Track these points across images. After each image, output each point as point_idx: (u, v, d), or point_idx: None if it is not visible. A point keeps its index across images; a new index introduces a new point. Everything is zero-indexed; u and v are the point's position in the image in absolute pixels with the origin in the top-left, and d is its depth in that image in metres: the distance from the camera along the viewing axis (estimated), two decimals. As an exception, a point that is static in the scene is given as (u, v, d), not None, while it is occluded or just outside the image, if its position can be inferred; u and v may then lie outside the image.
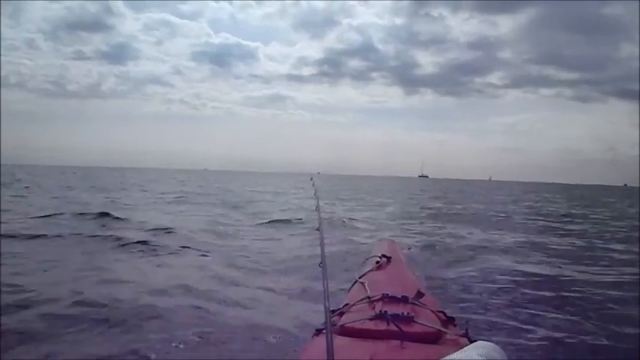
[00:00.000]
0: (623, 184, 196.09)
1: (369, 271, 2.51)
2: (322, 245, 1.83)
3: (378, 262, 2.63)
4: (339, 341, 1.54)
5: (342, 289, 2.79)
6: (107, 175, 46.15)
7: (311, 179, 3.15)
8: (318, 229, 2.02)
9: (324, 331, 1.21)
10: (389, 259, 2.67)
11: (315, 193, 2.84)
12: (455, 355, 1.09)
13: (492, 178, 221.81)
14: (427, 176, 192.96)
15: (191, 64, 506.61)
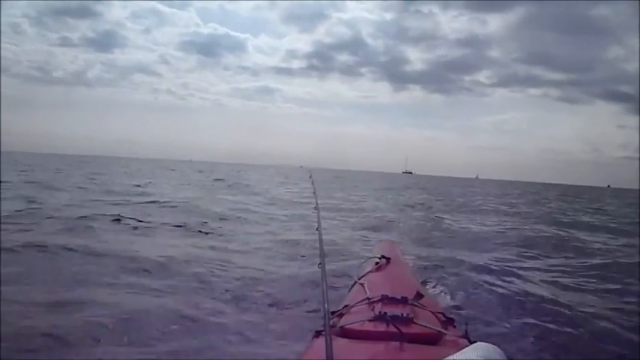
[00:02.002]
0: (606, 186, 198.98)
1: (368, 272, 2.51)
2: (321, 246, 1.83)
3: (377, 263, 2.63)
4: (339, 343, 1.54)
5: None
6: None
7: (310, 177, 3.13)
8: (317, 229, 2.02)
9: (323, 332, 1.21)
10: (388, 260, 2.66)
11: (314, 192, 2.83)
12: (454, 356, 1.10)
13: (479, 177, 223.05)
14: (411, 172, 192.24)
15: (179, 54, 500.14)
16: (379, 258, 2.68)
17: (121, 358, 2.50)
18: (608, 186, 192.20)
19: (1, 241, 5.54)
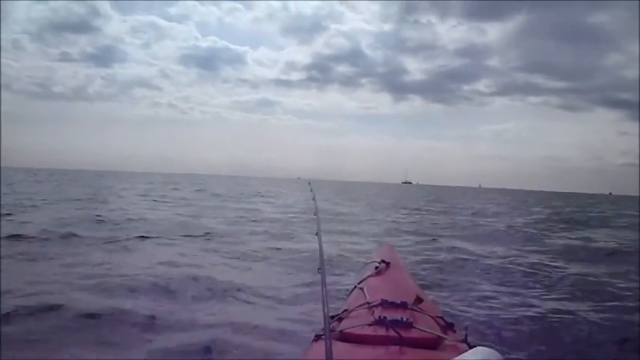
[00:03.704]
0: (608, 193, 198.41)
1: (368, 277, 2.49)
2: (321, 251, 1.82)
3: (377, 268, 2.61)
4: (338, 347, 1.54)
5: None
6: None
7: (309, 184, 3.15)
8: (317, 234, 2.02)
9: (323, 336, 1.21)
10: (388, 264, 2.64)
11: (313, 198, 2.85)
12: None
13: (482, 186, 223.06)
14: (410, 182, 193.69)
15: (179, 68, 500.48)
16: (379, 262, 2.66)
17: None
18: (610, 193, 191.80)
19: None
